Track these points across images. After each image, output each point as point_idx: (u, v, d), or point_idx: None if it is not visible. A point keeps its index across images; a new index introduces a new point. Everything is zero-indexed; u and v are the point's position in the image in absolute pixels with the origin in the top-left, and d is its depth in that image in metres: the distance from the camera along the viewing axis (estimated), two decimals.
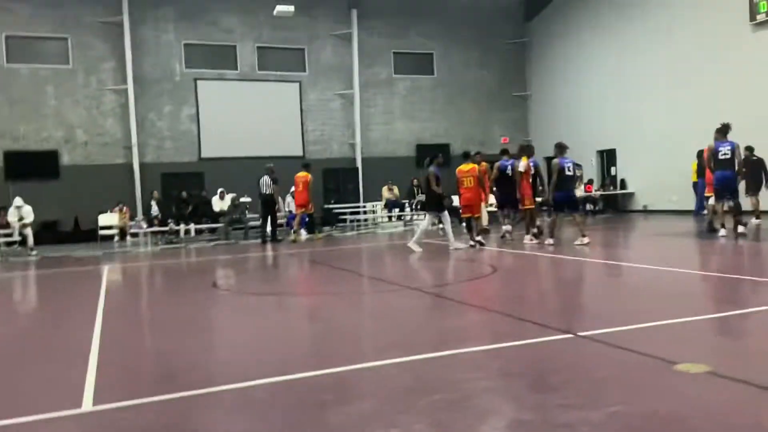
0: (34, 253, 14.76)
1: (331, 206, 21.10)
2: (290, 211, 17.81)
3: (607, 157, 22.60)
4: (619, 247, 12.38)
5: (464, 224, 12.51)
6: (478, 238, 12.04)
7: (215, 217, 18.63)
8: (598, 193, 21.89)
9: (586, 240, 11.08)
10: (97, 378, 4.15)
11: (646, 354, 4.06)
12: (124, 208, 18.50)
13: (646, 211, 20.64)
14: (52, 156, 19.56)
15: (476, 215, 12.24)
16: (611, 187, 21.98)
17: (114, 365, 4.59)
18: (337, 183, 22.06)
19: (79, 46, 20.06)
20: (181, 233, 17.96)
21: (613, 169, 22.30)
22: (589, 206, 21.66)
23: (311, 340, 5.42)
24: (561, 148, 11.60)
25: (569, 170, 11.45)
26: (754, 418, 3.01)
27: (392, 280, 8.95)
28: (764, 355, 4.11)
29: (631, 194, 21.52)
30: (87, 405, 3.62)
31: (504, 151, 13.82)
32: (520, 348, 4.43)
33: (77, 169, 19.81)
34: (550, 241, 11.36)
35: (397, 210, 20.70)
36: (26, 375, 4.50)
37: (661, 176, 19.67)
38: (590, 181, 22.17)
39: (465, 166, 12.18)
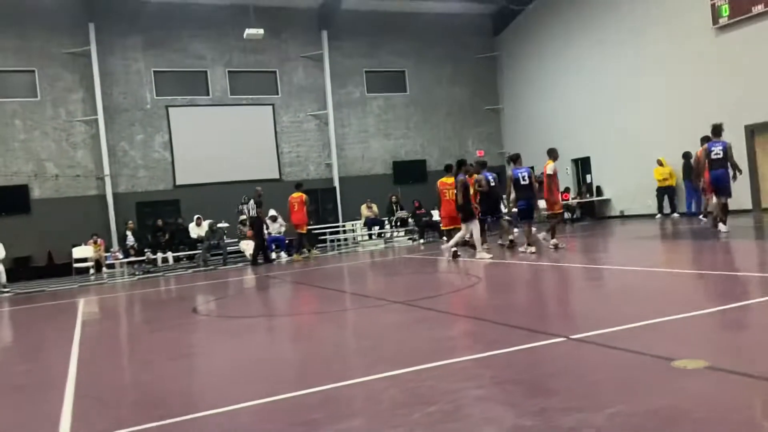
0: (6, 290, 14.35)
1: (310, 227, 20.93)
2: (269, 233, 17.64)
3: (582, 165, 22.77)
4: (602, 252, 12.37)
5: (444, 237, 12.45)
6: (455, 249, 11.92)
7: (193, 244, 18.37)
8: (575, 201, 22.02)
9: (532, 249, 11.18)
10: (74, 411, 3.95)
11: (641, 353, 3.97)
12: (99, 240, 18.15)
13: (623, 217, 20.79)
14: (22, 190, 19.13)
15: (458, 227, 12.15)
16: (587, 195, 22.12)
17: (91, 397, 4.38)
18: (316, 204, 21.87)
19: (47, 78, 19.77)
20: (159, 262, 17.68)
21: (588, 176, 22.48)
22: (567, 214, 21.78)
23: (296, 360, 5.25)
24: (514, 160, 11.91)
25: (524, 179, 11.57)
26: (757, 408, 2.93)
27: (377, 295, 8.80)
28: (760, 347, 4.05)
29: (608, 200, 21.68)
30: None
31: (483, 164, 13.86)
32: (513, 354, 4.32)
33: (49, 202, 19.41)
34: (532, 249, 11.31)
35: (377, 228, 20.59)
36: None
37: (635, 181, 19.87)
38: (566, 190, 22.32)
39: (447, 179, 12.27)
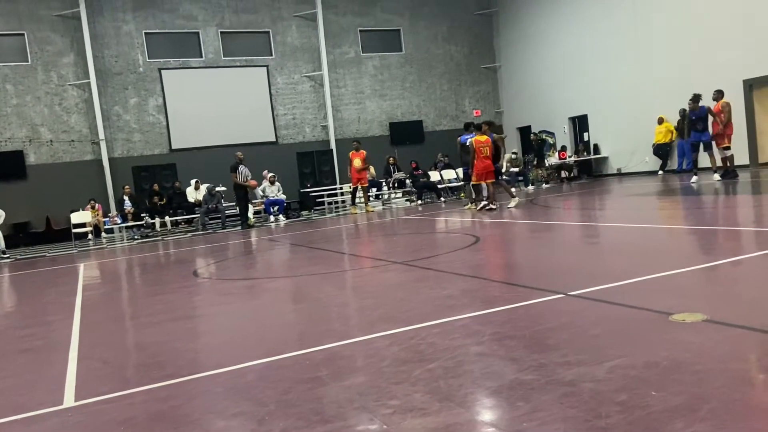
0: (6, 255, 14.38)
1: (307, 190, 20.91)
2: (266, 196, 17.67)
3: (579, 123, 22.66)
4: (598, 209, 12.40)
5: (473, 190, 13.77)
6: (486, 202, 13.05)
7: (190, 207, 18.37)
8: (572, 159, 21.97)
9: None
10: (78, 373, 4.00)
11: (639, 307, 4.02)
12: (96, 205, 18.12)
13: (620, 174, 20.79)
14: (17, 156, 19.03)
15: (491, 181, 13.22)
16: (584, 153, 22.06)
17: (95, 359, 4.43)
18: (312, 166, 21.81)
19: (37, 42, 19.46)
20: (157, 226, 17.69)
21: (585, 134, 22.38)
22: (564, 173, 21.76)
23: (298, 320, 5.30)
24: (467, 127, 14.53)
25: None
26: (756, 359, 2.98)
27: (376, 256, 8.85)
28: (756, 300, 4.09)
29: (605, 158, 21.64)
30: (69, 401, 3.47)
31: (478, 126, 13.92)
32: (512, 311, 4.36)
33: (44, 168, 19.32)
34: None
35: (374, 189, 20.55)
36: (2, 375, 4.32)
37: (632, 139, 19.83)
38: (563, 148, 22.25)
39: (481, 137, 13.16)
